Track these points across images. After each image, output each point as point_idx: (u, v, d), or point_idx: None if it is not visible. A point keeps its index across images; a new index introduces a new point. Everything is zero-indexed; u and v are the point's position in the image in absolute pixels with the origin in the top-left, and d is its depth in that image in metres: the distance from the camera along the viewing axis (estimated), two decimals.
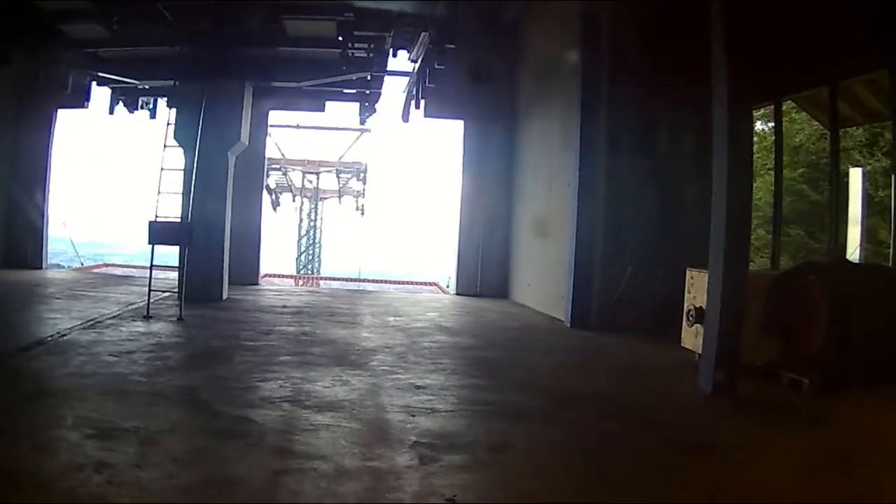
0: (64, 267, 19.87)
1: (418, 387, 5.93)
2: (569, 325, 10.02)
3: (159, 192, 9.89)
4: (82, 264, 20.24)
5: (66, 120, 16.54)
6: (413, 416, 5.04)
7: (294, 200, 34.05)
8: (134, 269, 18.01)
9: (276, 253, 34.27)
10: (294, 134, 30.85)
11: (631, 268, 9.81)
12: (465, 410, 5.37)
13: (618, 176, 10.07)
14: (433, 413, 5.16)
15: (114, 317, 9.00)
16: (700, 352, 7.53)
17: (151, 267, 9.70)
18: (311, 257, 34.50)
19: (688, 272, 7.98)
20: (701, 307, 7.49)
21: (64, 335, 7.59)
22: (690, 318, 7.61)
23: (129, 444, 4.18)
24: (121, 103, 15.16)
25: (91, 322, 8.46)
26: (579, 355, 8.29)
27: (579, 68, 10.26)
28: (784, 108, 13.10)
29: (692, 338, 7.72)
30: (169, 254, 10.37)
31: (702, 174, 10.42)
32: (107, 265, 20.55)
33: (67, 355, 6.64)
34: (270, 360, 6.81)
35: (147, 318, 8.99)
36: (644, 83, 10.09)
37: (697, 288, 7.74)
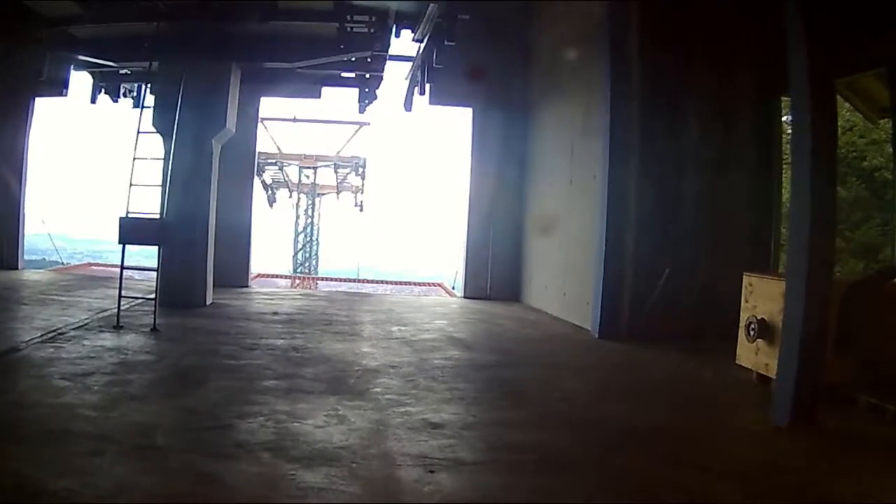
0: (61, 264, 18.83)
1: (434, 425, 4.75)
2: (596, 335, 8.86)
3: (131, 185, 8.71)
4: (63, 263, 19.08)
5: (50, 110, 15.51)
6: (432, 471, 3.87)
7: (290, 196, 32.96)
8: (129, 269, 16.75)
9: (272, 251, 33.31)
10: (290, 127, 29.71)
11: (668, 270, 8.64)
12: (498, 461, 4.19)
13: (651, 168, 8.99)
14: (457, 466, 3.99)
15: (79, 327, 7.86)
16: (760, 371, 6.49)
17: (122, 269, 8.59)
18: (308, 255, 33.35)
19: (745, 278, 6.86)
20: (764, 319, 6.39)
21: (18, 350, 6.57)
22: (752, 332, 6.47)
23: None
24: (102, 91, 14.11)
25: (52, 334, 7.35)
26: (618, 375, 7.11)
27: (608, 48, 9.11)
28: None
29: (751, 355, 6.61)
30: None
31: (746, 166, 9.48)
32: (90, 265, 19.39)
33: (14, 378, 5.66)
34: (252, 386, 5.64)
35: (117, 328, 7.84)
36: (681, 64, 9.07)
37: (758, 296, 6.63)
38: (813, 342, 5.23)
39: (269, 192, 31.40)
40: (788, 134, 11.70)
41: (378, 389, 5.74)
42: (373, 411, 5.04)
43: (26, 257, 21.90)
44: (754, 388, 6.47)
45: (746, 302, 6.78)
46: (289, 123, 28.65)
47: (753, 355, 6.56)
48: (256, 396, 5.30)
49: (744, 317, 6.74)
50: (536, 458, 4.22)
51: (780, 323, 6.05)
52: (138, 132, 9.06)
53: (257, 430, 4.46)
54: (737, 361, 6.82)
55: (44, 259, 20.22)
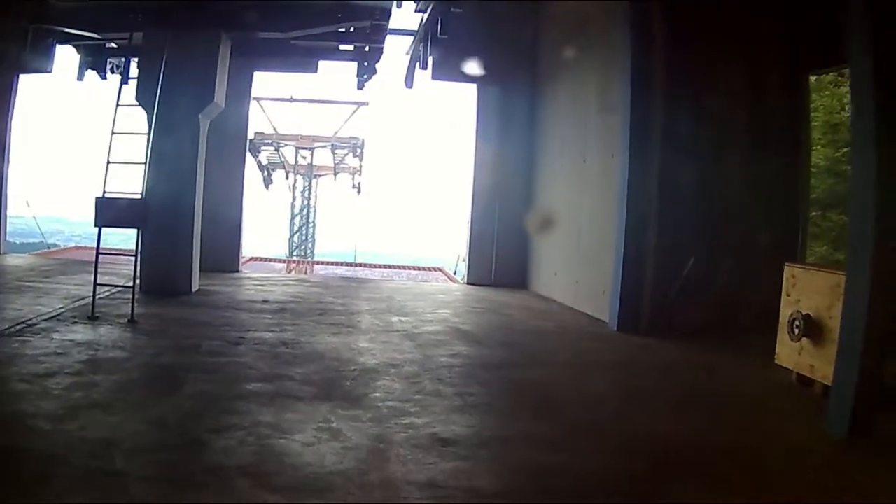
0: (46, 248, 18.16)
1: (444, 441, 4.05)
2: (615, 327, 8.16)
3: (109, 162, 7.98)
4: (49, 247, 18.37)
5: (36, 88, 14.90)
6: None
7: (287, 178, 32.16)
8: (105, 254, 16.02)
9: (268, 233, 32.67)
10: (287, 107, 28.94)
11: (694, 258, 7.97)
12: (524, 490, 3.50)
13: (674, 147, 8.22)
14: (475, 499, 3.31)
15: (52, 317, 7.17)
16: (803, 372, 5.82)
17: (98, 253, 7.87)
18: (304, 237, 32.60)
19: (787, 269, 6.17)
20: (809, 315, 5.71)
21: None
22: (796, 330, 5.78)
23: None
24: (89, 67, 13.48)
25: (21, 325, 6.66)
26: (647, 376, 6.35)
27: (627, 18, 8.37)
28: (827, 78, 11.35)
29: (794, 354, 5.93)
30: None
31: (773, 148, 8.75)
32: (78, 248, 18.65)
33: None
34: (233, 390, 4.95)
35: (92, 319, 7.15)
36: (706, 38, 8.36)
37: (801, 290, 5.94)
38: (877, 344, 4.57)
39: (266, 173, 30.66)
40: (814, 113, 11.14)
41: (377, 394, 5.04)
42: (371, 423, 4.34)
43: (24, 241, 21.28)
44: (797, 391, 5.80)
45: (788, 296, 6.09)
46: (285, 103, 27.99)
47: (796, 355, 5.89)
48: (237, 404, 4.61)
49: (785, 312, 6.05)
50: (570, 486, 3.52)
51: (829, 320, 5.45)
52: (117, 105, 8.34)
53: (235, 449, 3.76)
54: (776, 361, 6.15)
55: (41, 242, 19.65)
